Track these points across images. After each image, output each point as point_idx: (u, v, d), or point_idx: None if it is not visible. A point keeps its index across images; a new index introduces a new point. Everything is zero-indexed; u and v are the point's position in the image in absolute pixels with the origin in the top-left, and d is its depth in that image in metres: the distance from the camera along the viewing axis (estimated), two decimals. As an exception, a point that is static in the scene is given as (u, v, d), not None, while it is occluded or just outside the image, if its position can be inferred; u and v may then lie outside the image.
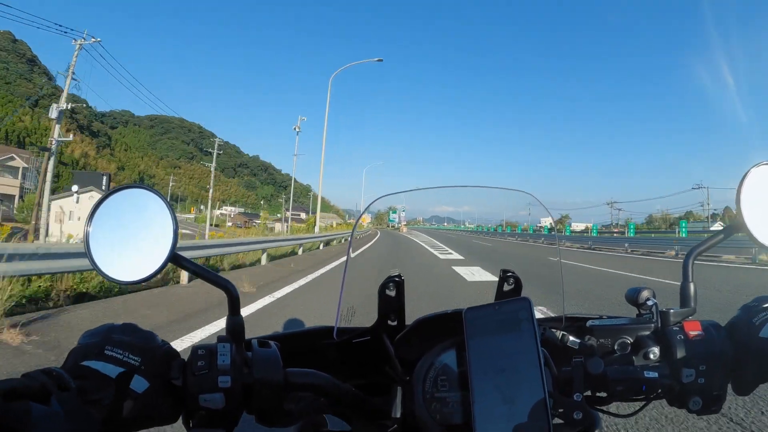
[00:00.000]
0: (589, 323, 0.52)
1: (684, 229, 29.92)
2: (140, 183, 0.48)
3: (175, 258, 0.44)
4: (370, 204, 0.78)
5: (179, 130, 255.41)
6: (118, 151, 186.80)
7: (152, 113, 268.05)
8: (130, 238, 0.45)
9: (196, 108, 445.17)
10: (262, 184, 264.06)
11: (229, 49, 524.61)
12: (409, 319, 0.55)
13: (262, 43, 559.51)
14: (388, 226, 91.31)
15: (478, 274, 8.96)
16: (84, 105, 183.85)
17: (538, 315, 0.45)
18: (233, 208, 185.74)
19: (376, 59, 23.07)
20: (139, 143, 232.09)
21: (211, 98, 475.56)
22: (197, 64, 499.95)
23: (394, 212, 78.22)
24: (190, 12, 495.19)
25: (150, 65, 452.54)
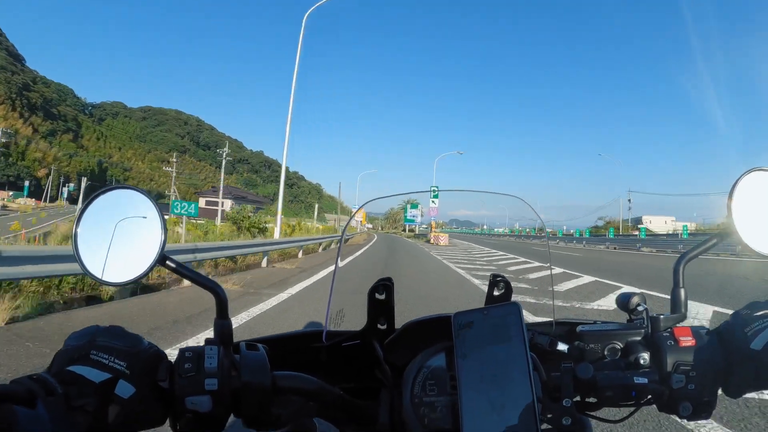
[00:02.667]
0: (579, 328, 0.52)
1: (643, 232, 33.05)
2: (128, 184, 0.50)
3: (163, 259, 0.44)
4: (358, 209, 0.94)
5: (174, 122, 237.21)
6: (87, 139, 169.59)
7: (147, 104, 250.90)
8: (118, 239, 0.45)
9: (197, 102, 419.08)
10: (264, 183, 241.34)
11: (231, 39, 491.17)
12: (399, 322, 0.55)
13: (267, 33, 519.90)
14: (406, 230, 65.24)
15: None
16: (43, 83, 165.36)
17: (527, 319, 0.46)
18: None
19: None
20: (126, 135, 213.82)
21: (213, 92, 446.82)
22: (202, 55, 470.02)
23: (414, 207, 52.58)
24: (191, 4, 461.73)
25: (148, 58, 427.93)
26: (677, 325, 0.49)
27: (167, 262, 0.44)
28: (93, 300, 6.00)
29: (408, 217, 54.34)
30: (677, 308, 0.50)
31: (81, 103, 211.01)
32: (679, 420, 0.47)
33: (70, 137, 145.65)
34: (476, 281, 8.60)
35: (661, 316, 0.49)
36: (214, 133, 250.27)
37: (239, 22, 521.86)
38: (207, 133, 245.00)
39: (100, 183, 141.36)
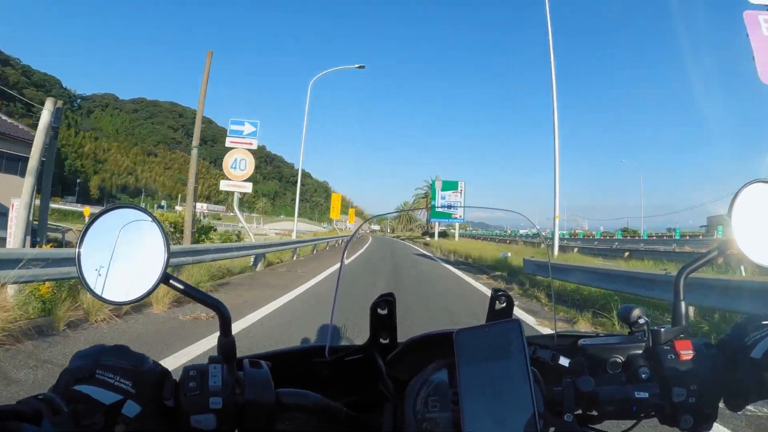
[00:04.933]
0: (580, 342, 0.52)
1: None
2: (131, 203, 0.51)
3: (166, 278, 0.45)
4: (362, 225, 0.97)
5: (167, 114, 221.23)
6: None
7: (140, 96, 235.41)
8: (121, 258, 0.46)
9: (196, 96, 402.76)
10: (265, 179, 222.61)
11: (241, 29, 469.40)
12: (401, 337, 0.56)
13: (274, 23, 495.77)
14: (434, 233, 37.48)
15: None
16: (23, 72, 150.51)
17: (529, 333, 0.47)
18: (205, 205, 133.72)
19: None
20: (113, 127, 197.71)
21: (215, 86, 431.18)
22: (202, 48, 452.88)
23: (450, 186, 30.95)
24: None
25: (146, 52, 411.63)
26: (678, 338, 0.49)
27: (170, 281, 0.45)
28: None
29: (438, 209, 30.29)
30: (678, 321, 0.50)
31: (69, 94, 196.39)
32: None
33: (30, 122, 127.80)
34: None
35: (662, 329, 0.49)
36: (213, 127, 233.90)
37: (241, 11, 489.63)
38: (204, 127, 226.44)
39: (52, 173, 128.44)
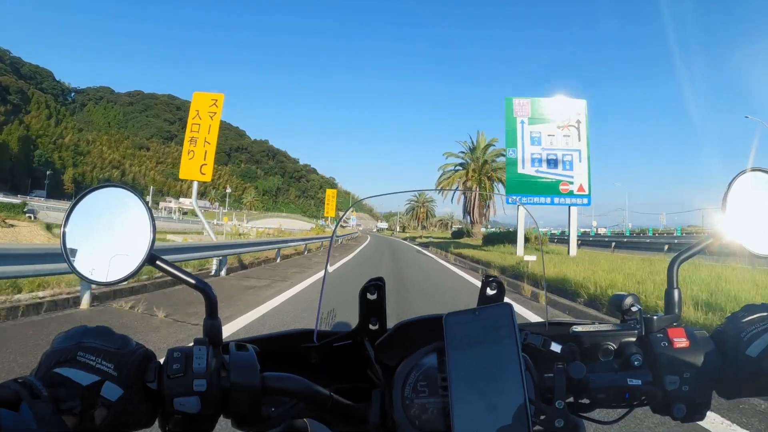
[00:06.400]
0: (572, 329, 0.52)
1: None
2: (117, 182, 0.50)
3: (152, 258, 0.44)
4: (350, 207, 0.93)
5: (164, 107, 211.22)
6: (34, 116, 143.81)
7: (137, 89, 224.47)
8: (107, 238, 0.46)
9: (198, 90, 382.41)
10: (267, 174, 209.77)
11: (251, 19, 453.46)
12: (391, 322, 0.55)
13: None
14: (471, 228, 24.36)
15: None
16: (12, 63, 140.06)
17: (520, 320, 0.46)
18: (189, 200, 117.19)
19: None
20: (105, 120, 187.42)
21: (217, 80, 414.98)
22: (205, 43, 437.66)
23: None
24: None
25: (144, 45, 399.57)
26: (671, 326, 0.48)
27: (157, 261, 0.45)
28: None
29: (526, 171, 11.92)
30: (671, 309, 0.50)
31: (62, 87, 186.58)
32: (673, 421, 0.47)
33: (3, 109, 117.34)
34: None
35: (655, 317, 0.49)
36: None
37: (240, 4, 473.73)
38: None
39: (15, 162, 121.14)
